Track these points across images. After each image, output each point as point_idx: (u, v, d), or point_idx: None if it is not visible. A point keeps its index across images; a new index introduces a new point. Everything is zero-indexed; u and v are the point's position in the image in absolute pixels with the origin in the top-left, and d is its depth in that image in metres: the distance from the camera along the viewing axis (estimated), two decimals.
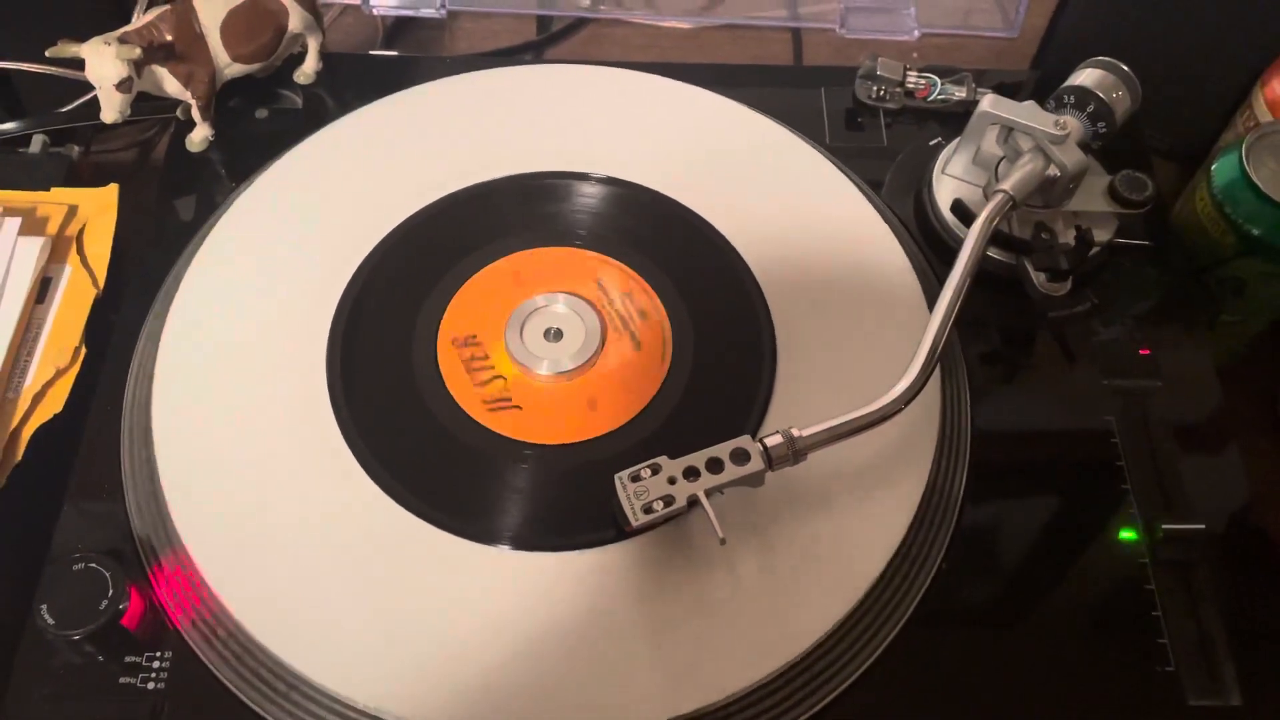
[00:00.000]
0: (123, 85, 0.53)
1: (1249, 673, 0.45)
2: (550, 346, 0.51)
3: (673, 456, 0.43)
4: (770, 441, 0.44)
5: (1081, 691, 0.44)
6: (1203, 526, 0.48)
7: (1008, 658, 0.45)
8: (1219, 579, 0.47)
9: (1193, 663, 0.45)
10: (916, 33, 0.73)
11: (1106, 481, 0.49)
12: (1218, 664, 0.45)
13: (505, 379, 0.50)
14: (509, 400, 0.49)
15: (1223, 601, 0.46)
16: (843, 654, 0.44)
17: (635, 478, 0.43)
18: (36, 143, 0.59)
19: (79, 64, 0.53)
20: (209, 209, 0.56)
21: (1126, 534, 0.48)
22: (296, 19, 0.58)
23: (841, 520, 0.46)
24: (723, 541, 0.42)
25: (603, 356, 0.50)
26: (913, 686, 0.44)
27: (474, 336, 0.51)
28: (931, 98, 0.61)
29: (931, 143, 0.60)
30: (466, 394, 0.49)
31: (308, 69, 0.61)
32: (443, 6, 0.72)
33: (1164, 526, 0.48)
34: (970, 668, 0.45)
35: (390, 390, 0.49)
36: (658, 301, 0.52)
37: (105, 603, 0.43)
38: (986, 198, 0.52)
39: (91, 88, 0.54)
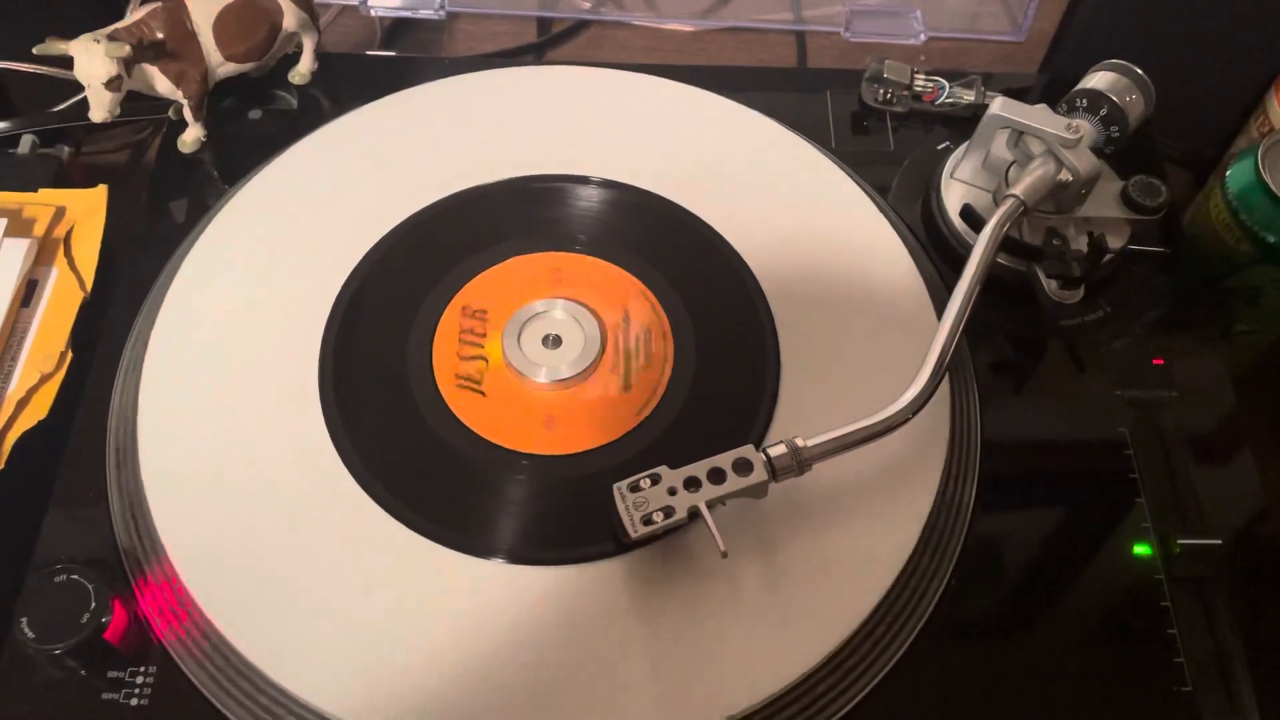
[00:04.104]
0: (112, 84, 0.52)
1: (1268, 693, 0.43)
2: (548, 353, 0.49)
3: (674, 466, 0.42)
4: (774, 451, 0.43)
5: (1095, 711, 0.43)
6: (1219, 541, 0.47)
7: (1019, 677, 0.44)
8: (1236, 596, 0.46)
9: (1210, 682, 0.44)
10: (922, 36, 0.72)
11: (1120, 494, 0.48)
12: (1236, 684, 0.44)
13: (486, 362, 0.49)
14: (478, 384, 0.48)
15: (1240, 619, 0.45)
16: (849, 672, 0.43)
17: (634, 488, 0.42)
18: (25, 143, 0.58)
19: (68, 62, 0.52)
20: (200, 211, 0.55)
21: (1141, 549, 0.47)
22: (291, 18, 0.57)
23: (848, 533, 0.45)
24: (724, 554, 0.41)
25: (590, 380, 0.49)
26: (922, 705, 0.43)
27: (484, 311, 0.50)
28: (939, 101, 0.60)
29: (939, 147, 0.59)
30: (447, 363, 0.49)
31: (303, 69, 0.60)
32: (442, 7, 0.71)
33: (1179, 541, 0.46)
34: (980, 686, 0.44)
35: (385, 400, 0.48)
36: (670, 348, 0.50)
37: (87, 616, 0.42)
38: (996, 203, 0.51)
39: (82, 88, 0.53)
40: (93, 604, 0.42)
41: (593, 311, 0.51)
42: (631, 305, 0.51)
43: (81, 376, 0.50)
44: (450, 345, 0.49)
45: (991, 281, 0.48)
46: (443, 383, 0.48)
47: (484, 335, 0.49)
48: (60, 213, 0.55)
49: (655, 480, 0.42)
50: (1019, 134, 0.53)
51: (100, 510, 0.46)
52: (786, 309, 0.51)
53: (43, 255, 0.53)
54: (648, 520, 0.41)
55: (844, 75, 0.62)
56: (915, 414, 0.44)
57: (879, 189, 0.57)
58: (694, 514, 0.41)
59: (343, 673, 0.42)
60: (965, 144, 0.55)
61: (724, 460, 0.42)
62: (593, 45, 0.75)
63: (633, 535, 0.41)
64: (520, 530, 0.45)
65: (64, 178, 0.58)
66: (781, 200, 0.55)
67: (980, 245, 0.48)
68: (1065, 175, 0.50)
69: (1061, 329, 0.53)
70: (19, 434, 0.48)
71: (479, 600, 0.43)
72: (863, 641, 0.43)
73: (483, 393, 0.48)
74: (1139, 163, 0.55)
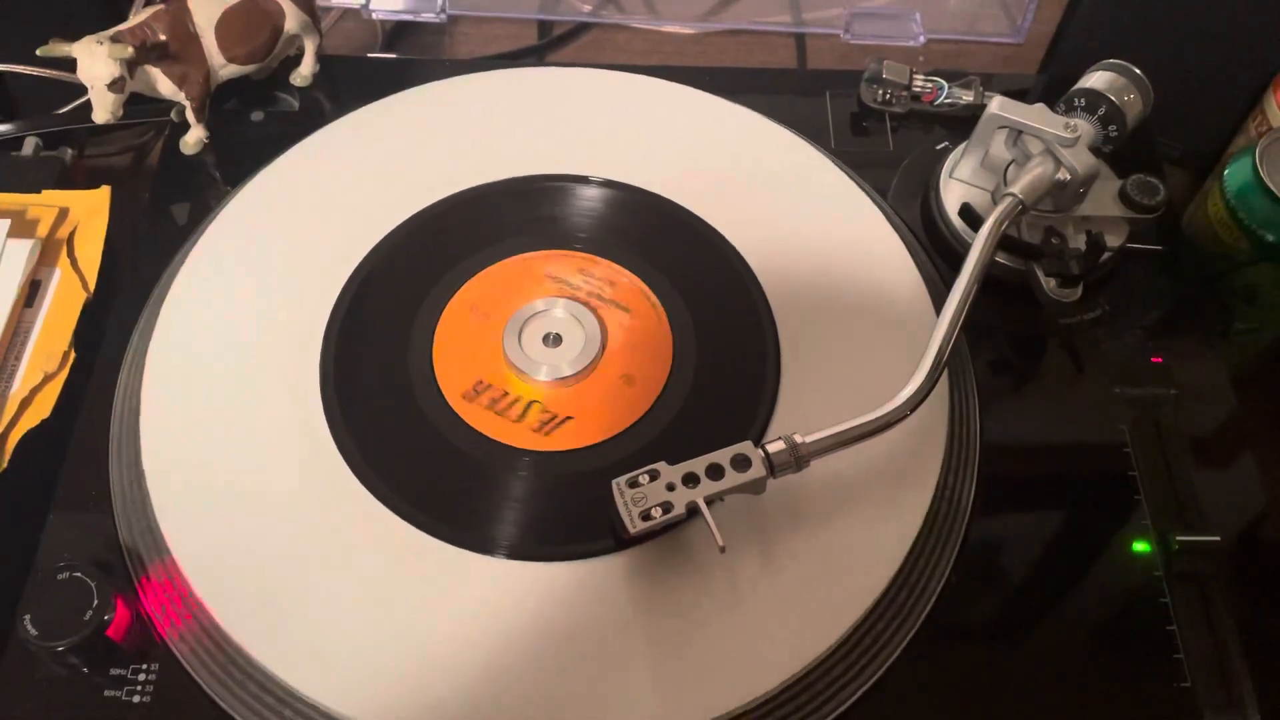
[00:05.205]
0: (115, 85, 0.52)
1: (1267, 688, 0.43)
2: (549, 352, 0.50)
3: (673, 462, 0.42)
4: (772, 447, 0.43)
5: (1094, 708, 0.43)
6: (1218, 539, 0.47)
7: (1018, 674, 0.44)
8: (1235, 592, 0.46)
9: (1209, 678, 0.44)
10: (922, 38, 0.72)
11: (1119, 492, 0.48)
12: (1235, 679, 0.44)
13: (540, 401, 0.48)
14: (556, 416, 0.48)
15: (1239, 615, 0.45)
16: (847, 670, 0.43)
17: (633, 484, 0.42)
18: (28, 145, 0.58)
19: (71, 64, 0.52)
20: (202, 212, 0.55)
21: (1140, 546, 0.47)
22: (293, 20, 0.57)
23: (846, 531, 0.45)
24: (722, 550, 0.41)
25: (609, 342, 0.50)
26: (919, 704, 0.43)
27: (480, 382, 0.49)
28: (938, 101, 0.60)
29: (938, 147, 0.59)
30: (448, 361, 0.49)
31: (304, 71, 0.61)
32: (443, 11, 0.71)
33: (1179, 539, 0.46)
34: (979, 684, 0.44)
35: (385, 398, 0.48)
36: (621, 271, 0.51)
37: (90, 613, 0.42)
38: (995, 202, 0.51)
39: (85, 90, 0.53)
40: (95, 601, 0.42)
41: (592, 310, 0.51)
42: (547, 269, 0.52)
43: (84, 376, 0.50)
44: (452, 343, 0.50)
45: (990, 281, 0.48)
46: (448, 385, 0.49)
47: (507, 392, 0.49)
48: (63, 214, 0.55)
49: (654, 476, 0.42)
50: (1017, 133, 0.53)
51: (103, 508, 0.46)
52: (786, 307, 0.51)
53: (46, 256, 0.54)
54: (646, 516, 0.41)
55: (843, 76, 0.62)
56: (913, 410, 0.44)
57: (878, 189, 0.57)
58: (692, 510, 0.41)
59: (344, 668, 0.42)
60: (964, 144, 0.56)
61: (722, 456, 0.42)
62: (593, 48, 0.75)
63: (631, 531, 0.41)
64: (521, 526, 0.45)
65: (67, 179, 0.58)
66: (781, 200, 0.55)
67: (979, 243, 0.48)
68: (1063, 174, 0.51)
69: (1060, 327, 0.53)
70: (23, 433, 0.49)
71: (479, 596, 0.43)
72: (864, 636, 0.43)
73: (572, 416, 0.48)
74: (1137, 162, 0.55)
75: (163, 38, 0.54)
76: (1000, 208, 0.49)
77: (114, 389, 0.50)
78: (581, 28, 0.76)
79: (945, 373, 0.46)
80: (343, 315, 0.51)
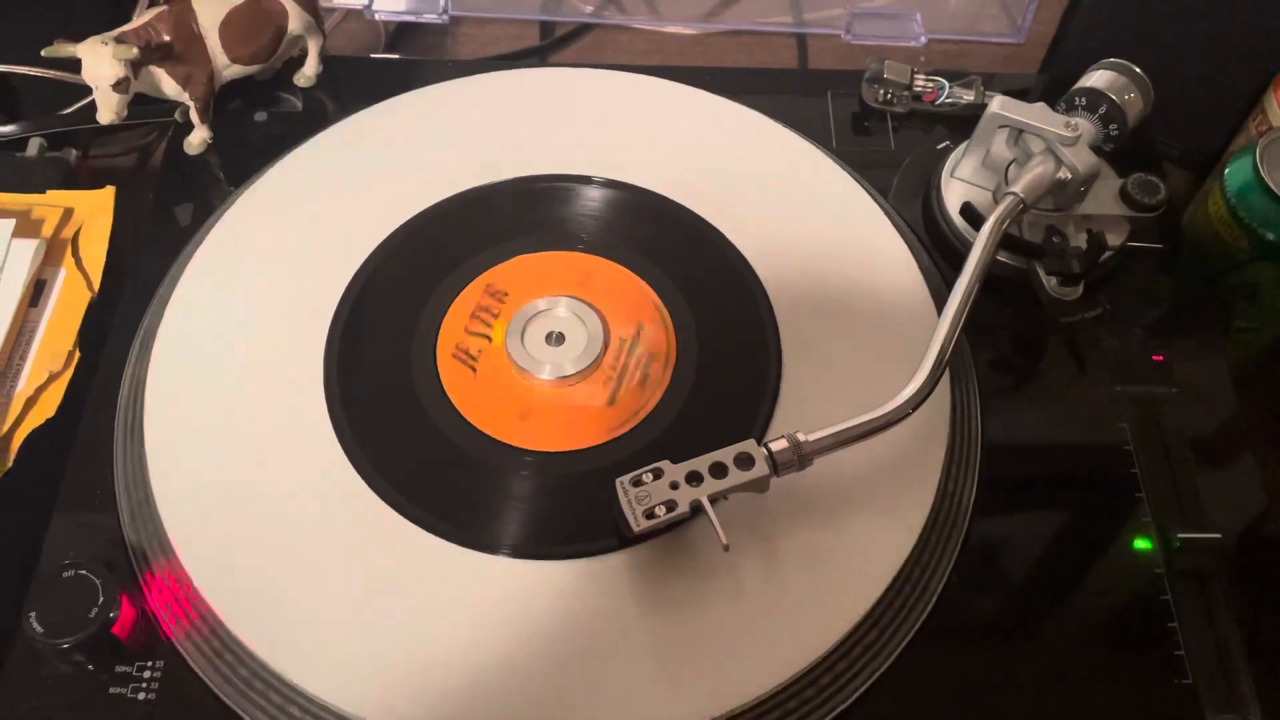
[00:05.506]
0: (119, 86, 0.52)
1: (1268, 686, 0.44)
2: (551, 350, 0.50)
3: (676, 461, 0.42)
4: (775, 446, 0.43)
5: (1096, 706, 0.43)
6: (1219, 536, 0.47)
7: (1019, 672, 0.44)
8: (1236, 590, 0.46)
9: (1210, 675, 0.44)
10: (923, 39, 0.72)
11: (1120, 490, 0.48)
12: (1236, 676, 0.44)
13: (490, 342, 0.49)
14: (474, 360, 0.49)
15: (1241, 613, 0.45)
16: (848, 668, 0.43)
17: (637, 482, 0.42)
18: (33, 146, 0.59)
19: (76, 65, 0.52)
20: (206, 212, 0.55)
21: (1141, 544, 0.47)
22: (296, 20, 0.58)
23: (848, 529, 0.45)
24: (726, 548, 0.41)
25: (582, 384, 0.49)
26: (921, 702, 0.43)
27: (506, 294, 0.51)
28: (939, 101, 0.60)
29: (939, 146, 0.59)
30: (451, 360, 0.49)
31: (308, 72, 0.61)
32: (445, 12, 0.72)
33: (1180, 536, 0.47)
34: (980, 683, 0.44)
35: (388, 398, 0.49)
36: (669, 374, 0.49)
37: (95, 611, 0.42)
38: (996, 201, 0.51)
39: (90, 92, 0.53)
40: (100, 599, 0.42)
41: (597, 311, 0.51)
42: (645, 321, 0.51)
43: (89, 375, 0.51)
44: (455, 343, 0.50)
45: (991, 279, 0.48)
46: (446, 378, 0.49)
47: (497, 316, 0.50)
48: (68, 214, 0.55)
49: (657, 475, 0.42)
50: (1018, 132, 0.53)
51: (108, 507, 0.47)
52: (788, 306, 0.51)
53: (51, 256, 0.54)
54: (650, 514, 0.41)
55: (845, 76, 0.62)
56: (915, 409, 0.44)
57: (880, 188, 0.57)
58: (696, 508, 0.42)
59: (348, 666, 0.42)
60: (965, 143, 0.56)
61: (725, 455, 0.42)
62: (595, 48, 0.75)
63: (635, 529, 0.41)
64: (524, 525, 0.45)
65: (71, 180, 0.58)
66: (783, 199, 0.55)
67: (980, 242, 0.48)
68: (1064, 173, 0.51)
69: (1061, 326, 0.53)
70: (28, 432, 0.49)
71: (482, 595, 0.43)
72: (861, 638, 0.43)
73: (474, 369, 0.49)
74: (1138, 161, 0.55)
75: (167, 38, 0.54)
76: (1001, 207, 0.49)
77: (118, 388, 0.50)
78: (583, 28, 0.76)
79: (946, 371, 0.46)
80: (346, 314, 0.51)
